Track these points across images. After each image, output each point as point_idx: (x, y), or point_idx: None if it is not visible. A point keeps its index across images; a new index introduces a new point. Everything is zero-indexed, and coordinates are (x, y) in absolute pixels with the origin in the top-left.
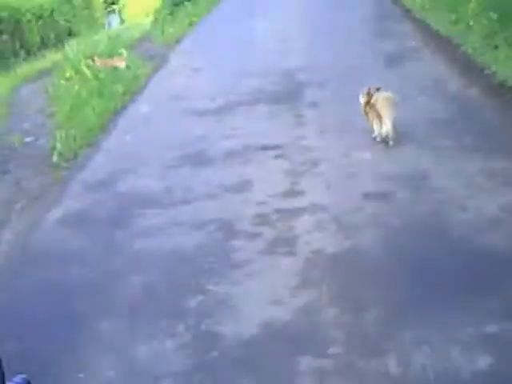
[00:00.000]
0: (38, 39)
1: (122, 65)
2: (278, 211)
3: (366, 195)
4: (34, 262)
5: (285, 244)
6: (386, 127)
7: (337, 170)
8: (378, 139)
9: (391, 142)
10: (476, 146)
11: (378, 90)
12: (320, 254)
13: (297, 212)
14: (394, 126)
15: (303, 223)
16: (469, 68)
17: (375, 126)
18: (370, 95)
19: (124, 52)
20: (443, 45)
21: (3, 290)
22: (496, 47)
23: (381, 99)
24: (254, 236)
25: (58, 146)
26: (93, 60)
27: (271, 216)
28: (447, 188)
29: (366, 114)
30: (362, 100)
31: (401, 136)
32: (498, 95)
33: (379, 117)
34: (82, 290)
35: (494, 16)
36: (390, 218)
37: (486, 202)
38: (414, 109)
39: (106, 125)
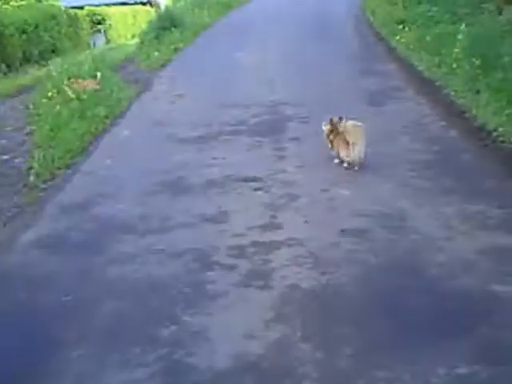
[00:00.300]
0: (20, 54)
1: (95, 87)
2: (255, 244)
3: (344, 231)
4: (3, 285)
5: (261, 277)
6: (354, 153)
7: (315, 205)
8: (344, 164)
9: (356, 167)
10: (454, 188)
11: (340, 119)
12: (295, 289)
13: (274, 245)
14: (362, 152)
15: (280, 257)
16: (450, 110)
17: (341, 153)
18: (332, 124)
19: (98, 75)
20: (426, 86)
21: None
22: (477, 92)
23: (350, 127)
24: (231, 268)
25: (36, 166)
26: (71, 81)
27: (248, 249)
28: (424, 229)
29: (331, 141)
30: (325, 128)
31: (381, 175)
32: (478, 139)
33: (347, 143)
34: (52, 316)
35: (477, 62)
36: (366, 256)
37: (461, 245)
38: (395, 148)
39: (86, 147)
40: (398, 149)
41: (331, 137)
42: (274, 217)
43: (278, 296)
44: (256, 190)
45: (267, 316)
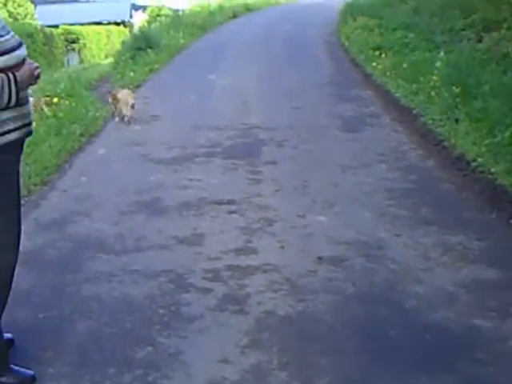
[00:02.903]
0: None
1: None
2: (230, 268)
3: (320, 259)
4: None
5: (236, 302)
6: (127, 112)
7: (291, 230)
8: (119, 120)
9: (129, 123)
10: (432, 218)
11: (117, 90)
12: (271, 316)
13: (249, 270)
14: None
15: (255, 282)
16: (428, 139)
17: (123, 111)
18: (114, 95)
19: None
20: (403, 113)
21: None
22: (456, 121)
23: (125, 93)
24: (206, 291)
25: None
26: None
27: (223, 272)
28: (402, 259)
29: (114, 106)
30: (110, 99)
31: (358, 202)
32: (456, 168)
33: (125, 104)
34: (25, 335)
35: (456, 90)
36: (343, 284)
37: (441, 276)
38: (371, 176)
39: (61, 164)
40: (374, 177)
41: (114, 103)
42: (249, 241)
43: (253, 321)
44: (231, 213)
45: (243, 341)
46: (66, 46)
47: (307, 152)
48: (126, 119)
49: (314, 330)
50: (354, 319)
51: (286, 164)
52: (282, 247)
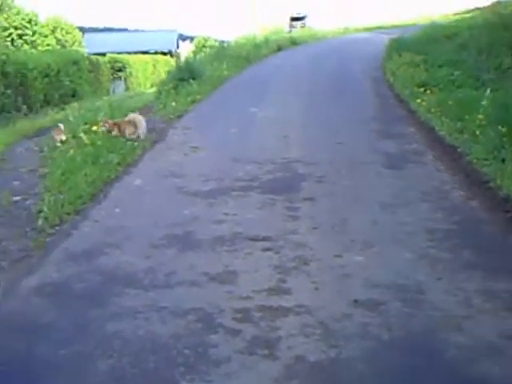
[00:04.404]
0: (41, 97)
1: (59, 138)
2: (261, 308)
3: (356, 302)
4: (1, 332)
5: (266, 345)
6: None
7: (327, 270)
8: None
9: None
10: (475, 262)
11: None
12: (302, 361)
13: (281, 312)
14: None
15: (287, 325)
16: (472, 179)
17: (128, 132)
18: (110, 124)
19: (61, 125)
20: (447, 151)
21: None
22: (503, 161)
23: (133, 116)
24: (235, 333)
25: (45, 209)
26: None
27: (254, 313)
28: (443, 305)
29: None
30: (104, 128)
31: (397, 243)
32: (502, 210)
33: (134, 127)
34: (47, 370)
35: (503, 129)
36: (379, 330)
37: (484, 326)
38: (412, 215)
39: (96, 194)
40: (415, 216)
41: (115, 130)
42: (282, 280)
43: (283, 367)
44: (266, 250)
45: None
46: (112, 74)
47: (347, 188)
48: (141, 137)
49: (345, 378)
50: (388, 368)
51: (324, 200)
52: (317, 288)
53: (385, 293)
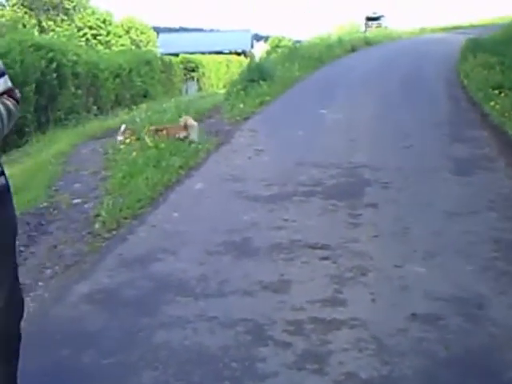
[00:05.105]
0: (112, 97)
1: (121, 139)
2: (314, 320)
3: (414, 316)
4: (49, 338)
5: (316, 360)
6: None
7: (386, 281)
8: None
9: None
10: None
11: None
12: (352, 378)
13: (335, 325)
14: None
15: (340, 339)
16: None
17: (181, 134)
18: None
19: (123, 126)
20: None
21: None
22: None
23: (187, 118)
24: (285, 346)
25: (103, 213)
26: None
27: (306, 325)
28: (505, 321)
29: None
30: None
31: (461, 253)
32: None
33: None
34: (91, 379)
35: None
36: (435, 347)
37: None
38: (479, 225)
39: (156, 198)
40: (482, 226)
41: (163, 131)
42: (338, 291)
43: None
44: (323, 259)
45: None
46: (185, 75)
47: (412, 195)
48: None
49: None
50: None
51: (387, 207)
52: (374, 300)
53: (444, 307)
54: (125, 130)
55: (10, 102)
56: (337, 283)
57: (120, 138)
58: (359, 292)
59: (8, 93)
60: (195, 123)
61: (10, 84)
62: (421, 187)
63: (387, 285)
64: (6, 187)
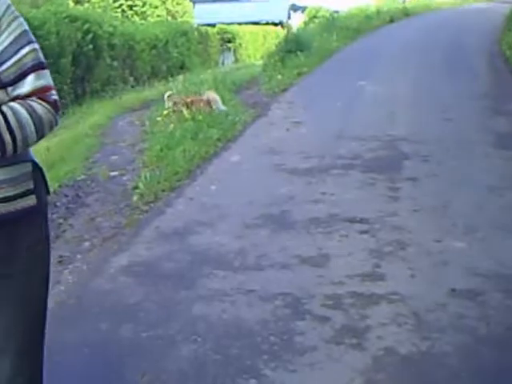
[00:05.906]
0: (149, 69)
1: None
2: (353, 295)
3: (454, 291)
4: (87, 311)
5: (354, 335)
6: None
7: (425, 256)
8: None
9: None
10: None
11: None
12: (391, 354)
13: (374, 299)
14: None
15: (378, 313)
16: None
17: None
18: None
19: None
20: None
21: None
22: None
23: (209, 92)
24: (323, 320)
25: (141, 186)
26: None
27: (345, 300)
28: None
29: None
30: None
31: (503, 228)
32: None
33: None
34: (129, 352)
35: None
36: (476, 323)
37: None
38: None
39: (193, 170)
40: None
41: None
42: (377, 265)
43: (370, 359)
44: (362, 232)
45: (355, 382)
46: (221, 46)
47: (453, 169)
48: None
49: (435, 375)
50: (483, 367)
51: (427, 181)
52: (413, 275)
53: (485, 282)
54: (170, 96)
55: (40, 106)
56: (375, 257)
57: (169, 103)
58: (398, 266)
59: (40, 93)
60: (218, 97)
61: (44, 82)
62: (461, 160)
63: (426, 259)
64: (37, 208)
